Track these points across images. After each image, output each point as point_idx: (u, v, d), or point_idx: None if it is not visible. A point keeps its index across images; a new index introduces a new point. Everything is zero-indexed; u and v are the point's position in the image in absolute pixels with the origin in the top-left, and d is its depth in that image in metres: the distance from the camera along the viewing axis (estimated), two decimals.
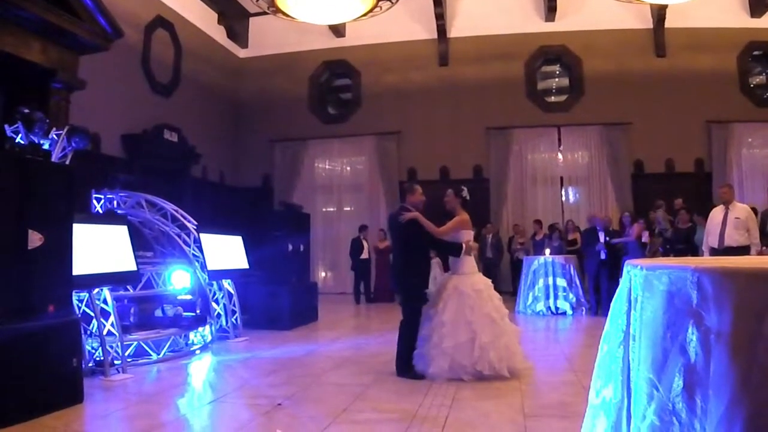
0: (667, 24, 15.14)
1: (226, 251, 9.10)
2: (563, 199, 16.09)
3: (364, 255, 14.54)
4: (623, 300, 1.72)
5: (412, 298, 6.16)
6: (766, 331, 1.26)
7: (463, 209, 6.29)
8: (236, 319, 8.95)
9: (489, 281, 6.24)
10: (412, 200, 6.39)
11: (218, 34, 16.72)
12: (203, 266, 8.44)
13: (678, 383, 1.40)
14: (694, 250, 10.15)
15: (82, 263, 5.68)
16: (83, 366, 5.35)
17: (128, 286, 7.32)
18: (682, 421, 1.39)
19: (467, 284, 5.96)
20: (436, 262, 13.55)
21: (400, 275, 6.23)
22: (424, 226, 6.07)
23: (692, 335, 1.38)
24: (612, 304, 1.80)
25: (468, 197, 6.37)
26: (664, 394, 1.43)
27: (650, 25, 15.43)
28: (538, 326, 10.06)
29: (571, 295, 11.30)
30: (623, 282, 1.74)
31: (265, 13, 12.60)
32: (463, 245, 6.07)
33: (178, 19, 14.53)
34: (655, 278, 1.52)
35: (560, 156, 16.10)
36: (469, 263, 6.17)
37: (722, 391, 1.30)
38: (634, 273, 1.67)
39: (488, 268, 13.40)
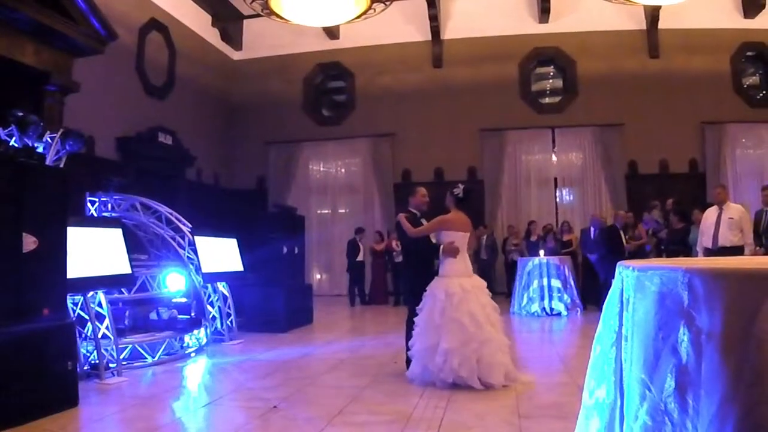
0: (661, 25, 15.19)
1: (220, 254, 9.09)
2: (557, 200, 16.15)
3: (360, 257, 14.56)
4: (615, 301, 1.73)
5: (409, 294, 6.31)
6: (757, 331, 1.27)
7: (458, 208, 6.07)
8: (231, 322, 8.94)
9: (474, 284, 5.83)
10: (414, 202, 6.46)
11: (212, 36, 16.71)
12: (198, 269, 8.43)
13: (670, 383, 1.41)
14: (688, 251, 10.17)
15: (77, 266, 5.67)
16: (78, 369, 5.34)
17: (123, 289, 7.32)
18: (674, 421, 1.40)
19: (441, 287, 5.69)
20: None
21: (402, 273, 6.31)
22: (403, 226, 6.07)
23: (683, 336, 1.39)
24: (604, 305, 1.81)
25: (461, 195, 6.06)
26: (656, 394, 1.44)
27: (644, 26, 15.47)
28: (533, 327, 10.07)
29: (565, 296, 11.31)
30: (615, 283, 1.76)
31: (259, 16, 12.59)
32: (441, 247, 5.88)
33: (172, 22, 14.52)
34: (647, 279, 1.53)
35: (554, 157, 16.13)
36: (451, 265, 5.83)
37: (714, 391, 1.30)
38: (626, 274, 1.68)
39: (483, 270, 13.40)
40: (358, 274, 14.61)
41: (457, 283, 5.70)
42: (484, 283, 6.00)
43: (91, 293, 6.15)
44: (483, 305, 5.71)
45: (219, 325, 8.70)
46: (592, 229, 12.01)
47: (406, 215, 6.24)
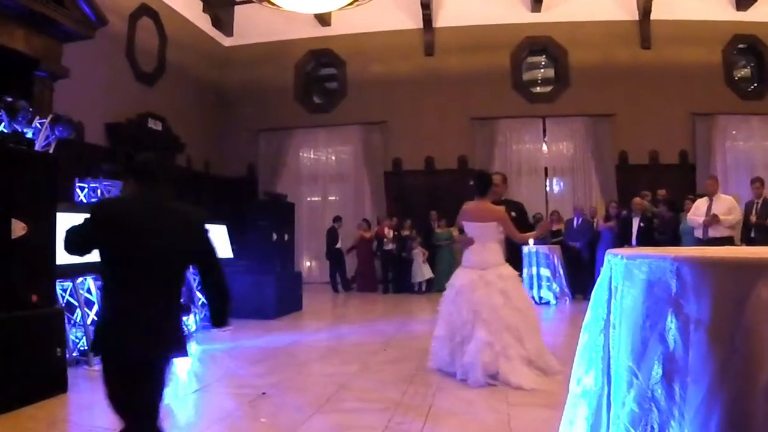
0: (653, 16, 15.18)
1: None
2: (547, 189, 16.16)
3: (339, 245, 14.90)
4: (604, 289, 1.74)
5: None
6: (745, 320, 1.27)
7: (482, 196, 5.77)
8: None
9: (477, 277, 5.54)
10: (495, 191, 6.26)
11: (203, 22, 16.57)
12: None
13: (657, 371, 1.42)
14: (678, 241, 10.23)
15: (66, 253, 5.64)
16: (67, 356, 5.33)
17: None
18: (661, 408, 1.40)
19: (455, 279, 5.75)
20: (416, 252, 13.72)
21: None
22: None
23: (671, 324, 1.39)
24: (593, 293, 1.82)
25: (471, 182, 5.87)
26: (643, 381, 1.45)
27: (636, 17, 15.46)
28: None
29: (554, 285, 11.37)
30: (604, 271, 1.76)
31: (250, 2, 12.55)
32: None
33: (162, 8, 14.39)
34: (636, 267, 1.54)
35: (545, 147, 16.13)
36: (466, 256, 5.80)
37: (701, 379, 1.31)
38: (614, 262, 1.69)
39: None
40: (337, 261, 14.84)
41: (461, 275, 5.74)
42: (500, 277, 5.62)
43: (80, 279, 6.13)
44: (474, 303, 5.42)
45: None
46: (575, 219, 12.62)
47: None
